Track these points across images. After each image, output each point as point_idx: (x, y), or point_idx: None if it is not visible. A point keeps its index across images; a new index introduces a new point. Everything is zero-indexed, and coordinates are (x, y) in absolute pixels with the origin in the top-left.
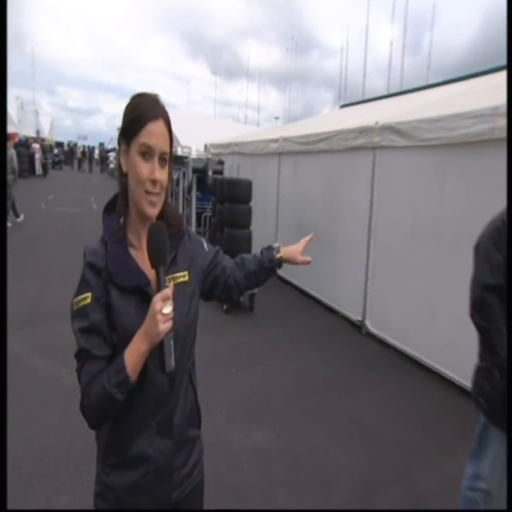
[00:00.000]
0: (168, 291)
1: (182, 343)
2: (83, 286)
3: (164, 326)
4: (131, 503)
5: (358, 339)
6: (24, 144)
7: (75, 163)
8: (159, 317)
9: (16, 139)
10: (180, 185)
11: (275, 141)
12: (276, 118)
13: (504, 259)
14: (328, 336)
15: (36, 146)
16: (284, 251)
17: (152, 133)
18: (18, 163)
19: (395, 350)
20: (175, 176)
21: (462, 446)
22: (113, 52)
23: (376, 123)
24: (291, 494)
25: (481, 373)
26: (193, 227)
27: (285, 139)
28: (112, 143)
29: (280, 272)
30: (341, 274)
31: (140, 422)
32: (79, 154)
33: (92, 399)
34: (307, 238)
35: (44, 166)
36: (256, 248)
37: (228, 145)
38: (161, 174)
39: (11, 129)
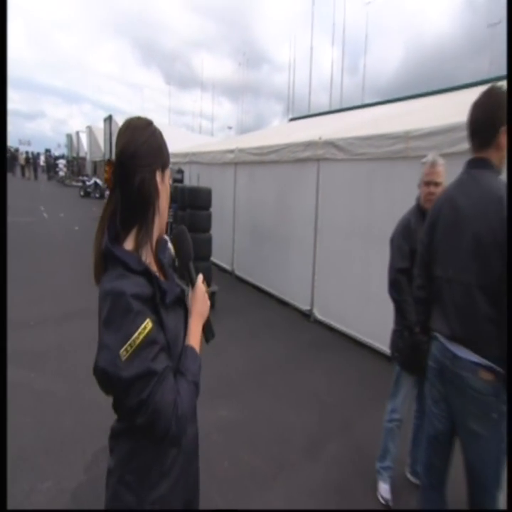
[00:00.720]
0: (201, 276)
1: None
2: (138, 318)
3: (207, 307)
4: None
5: (307, 326)
6: None
7: (18, 169)
8: (206, 296)
9: None
10: None
11: (231, 151)
12: (230, 128)
13: (410, 248)
14: (282, 325)
15: None
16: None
17: None
18: None
19: (338, 333)
20: None
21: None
22: (57, 53)
23: (320, 138)
24: (254, 454)
25: (396, 334)
26: None
27: (240, 150)
28: (59, 149)
29: (238, 271)
30: (291, 270)
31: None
32: (22, 160)
33: (185, 402)
34: None
35: None
36: (215, 250)
37: (186, 154)
38: None
39: None
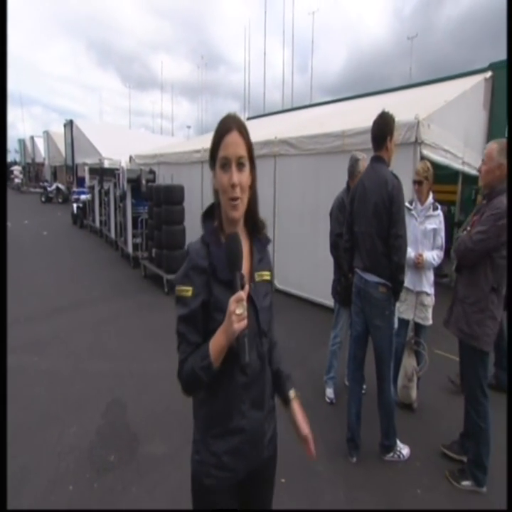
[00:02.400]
0: (241, 294)
1: (267, 331)
2: (186, 280)
3: (238, 326)
4: (230, 465)
5: None
6: None
7: None
8: (233, 317)
9: None
10: (111, 195)
11: (198, 151)
12: (189, 127)
13: (343, 218)
14: None
15: None
16: (296, 406)
17: (227, 144)
18: None
19: (295, 298)
20: (105, 187)
21: None
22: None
23: (275, 137)
24: None
25: (335, 282)
26: (130, 231)
27: (206, 150)
28: (9, 155)
29: None
30: None
31: (237, 399)
32: None
33: (183, 375)
34: (309, 445)
35: None
36: (189, 239)
37: (154, 156)
38: (240, 177)
39: None
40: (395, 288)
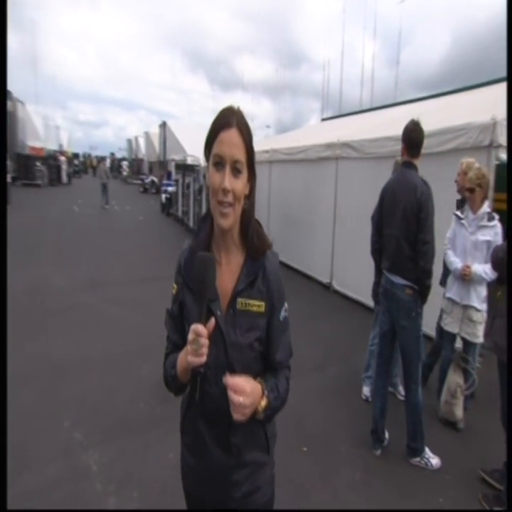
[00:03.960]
0: (199, 328)
1: (240, 371)
2: (175, 277)
3: (192, 359)
4: (194, 489)
5: (327, 295)
6: (53, 157)
7: (90, 171)
8: (189, 348)
9: (43, 153)
10: (191, 188)
11: (267, 151)
12: (268, 126)
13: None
14: (306, 293)
15: (63, 158)
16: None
17: (223, 141)
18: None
19: (352, 300)
20: (187, 181)
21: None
22: (120, 69)
23: (338, 140)
24: None
25: (375, 285)
26: None
27: (274, 151)
28: (120, 152)
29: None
30: (315, 249)
31: (204, 423)
32: (95, 163)
33: (163, 370)
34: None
35: (68, 175)
36: None
37: None
38: (233, 183)
39: (37, 144)
40: (422, 291)
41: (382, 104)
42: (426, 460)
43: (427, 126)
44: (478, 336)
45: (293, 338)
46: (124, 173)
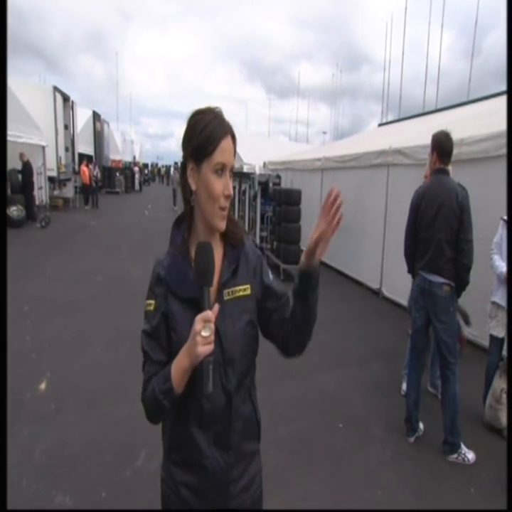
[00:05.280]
0: (208, 314)
1: (237, 361)
2: (150, 293)
3: (202, 349)
4: (188, 499)
5: (376, 300)
6: (128, 168)
7: (158, 179)
8: (198, 338)
9: (121, 165)
10: (247, 194)
11: (319, 160)
12: (324, 133)
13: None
14: (356, 299)
15: (136, 168)
16: (305, 252)
17: (225, 150)
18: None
19: (400, 306)
20: (242, 188)
21: None
22: (183, 84)
23: (390, 147)
24: (322, 357)
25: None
26: (258, 225)
27: (326, 159)
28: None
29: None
30: (365, 256)
31: (198, 429)
32: (163, 172)
33: (146, 397)
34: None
35: (140, 183)
36: (304, 237)
37: (283, 162)
38: (230, 186)
39: (117, 157)
40: (459, 287)
41: (449, 105)
42: (463, 456)
43: (480, 130)
44: None
45: (339, 337)
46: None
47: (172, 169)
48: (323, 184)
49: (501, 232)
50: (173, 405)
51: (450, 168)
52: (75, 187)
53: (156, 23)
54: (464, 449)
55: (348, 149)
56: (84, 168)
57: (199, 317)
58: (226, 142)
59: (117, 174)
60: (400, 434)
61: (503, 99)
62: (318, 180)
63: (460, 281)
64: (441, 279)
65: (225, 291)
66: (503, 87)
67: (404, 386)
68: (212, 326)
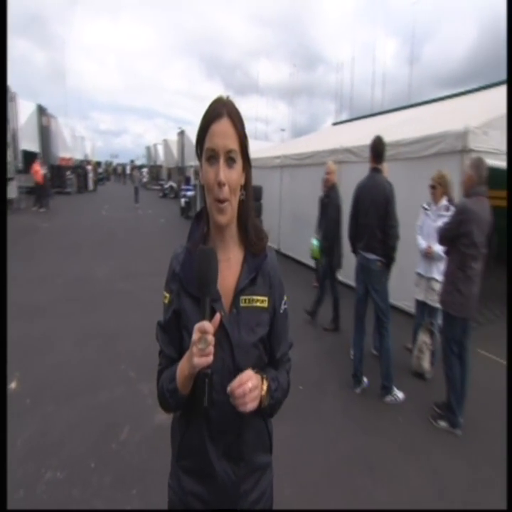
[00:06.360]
0: (205, 325)
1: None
2: (166, 286)
3: (199, 360)
4: (197, 509)
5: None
6: (80, 166)
7: (114, 178)
8: (194, 350)
9: (71, 163)
10: None
11: (278, 157)
12: (283, 130)
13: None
14: (300, 282)
15: (89, 167)
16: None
17: (215, 133)
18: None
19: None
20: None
21: None
22: (138, 78)
23: (340, 146)
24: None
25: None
26: None
27: (285, 156)
28: (139, 159)
29: (283, 249)
30: None
31: (209, 440)
32: (119, 171)
33: (158, 388)
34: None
35: (94, 183)
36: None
37: None
38: (228, 174)
39: (67, 154)
40: (388, 263)
41: (394, 107)
42: (395, 396)
43: (414, 133)
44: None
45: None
46: (144, 180)
47: (128, 167)
48: (282, 180)
49: (423, 217)
50: (179, 404)
51: (385, 165)
52: (18, 187)
53: (105, 11)
54: (395, 390)
55: (305, 147)
56: (36, 166)
57: (198, 326)
58: (217, 125)
59: (68, 173)
60: (349, 388)
61: (436, 106)
62: (277, 177)
63: (388, 258)
64: (374, 257)
65: (242, 298)
66: (440, 93)
67: (351, 352)
68: (209, 338)
